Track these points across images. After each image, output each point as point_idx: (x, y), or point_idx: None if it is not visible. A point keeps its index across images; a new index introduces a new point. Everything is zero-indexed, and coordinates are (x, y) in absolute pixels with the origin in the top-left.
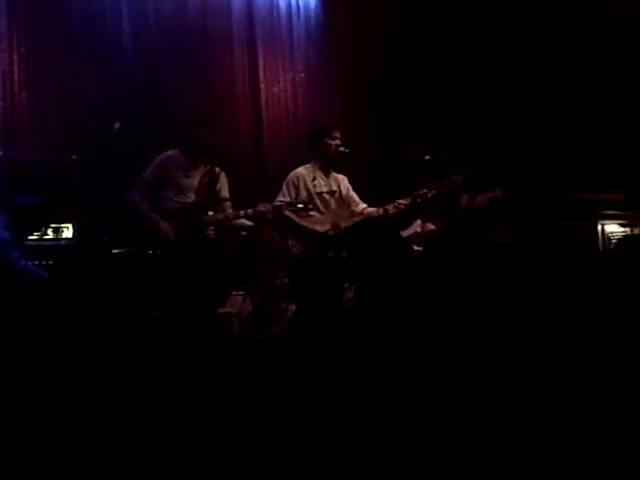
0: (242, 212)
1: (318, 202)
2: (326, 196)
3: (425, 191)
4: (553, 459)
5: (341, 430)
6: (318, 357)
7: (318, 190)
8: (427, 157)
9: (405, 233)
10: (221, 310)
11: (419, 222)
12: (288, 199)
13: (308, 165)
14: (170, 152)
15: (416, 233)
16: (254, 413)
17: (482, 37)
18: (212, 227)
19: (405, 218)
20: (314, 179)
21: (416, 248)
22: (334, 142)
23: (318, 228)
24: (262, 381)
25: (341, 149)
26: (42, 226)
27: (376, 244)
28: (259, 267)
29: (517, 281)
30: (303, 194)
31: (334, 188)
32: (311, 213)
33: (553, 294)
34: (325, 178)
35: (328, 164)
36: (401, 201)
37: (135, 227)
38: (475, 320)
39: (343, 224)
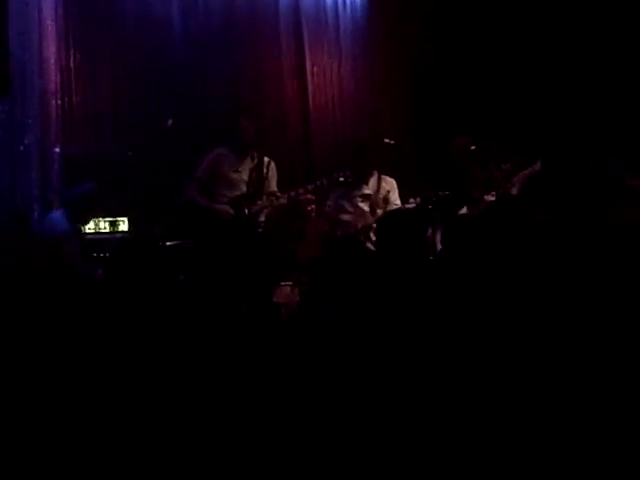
0: (285, 196)
1: (348, 204)
2: (359, 199)
3: (438, 192)
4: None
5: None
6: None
7: (352, 195)
8: (473, 147)
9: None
10: (270, 300)
11: (465, 208)
12: (331, 203)
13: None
14: (218, 149)
15: None
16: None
17: (523, 28)
18: (262, 220)
19: (453, 208)
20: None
21: None
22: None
23: (341, 230)
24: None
25: (387, 140)
26: (96, 212)
27: (401, 236)
28: (305, 256)
29: (562, 270)
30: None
31: (368, 192)
32: (343, 213)
33: (599, 284)
34: (363, 183)
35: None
36: (412, 201)
37: (191, 220)
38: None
39: (361, 224)
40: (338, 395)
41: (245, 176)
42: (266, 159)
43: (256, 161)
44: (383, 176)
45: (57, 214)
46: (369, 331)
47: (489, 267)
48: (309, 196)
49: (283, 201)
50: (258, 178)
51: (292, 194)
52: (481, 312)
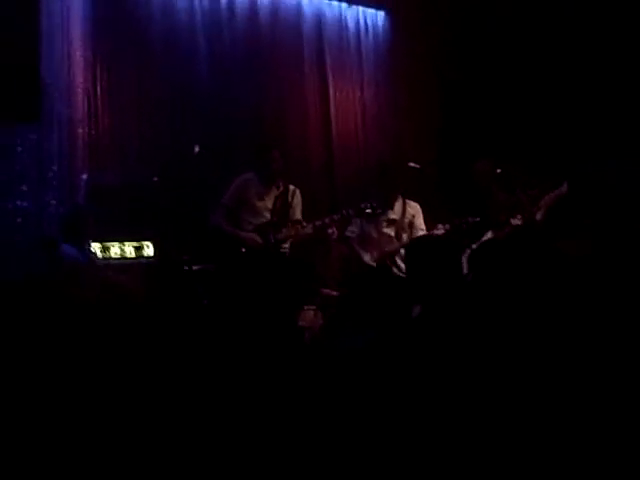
0: (310, 226)
1: (374, 229)
2: (384, 224)
3: (467, 219)
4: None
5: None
6: (384, 370)
7: (378, 221)
8: (499, 170)
9: (477, 245)
10: (294, 323)
11: (490, 232)
12: (356, 230)
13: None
14: (245, 175)
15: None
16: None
17: (550, 53)
18: (287, 248)
19: (478, 230)
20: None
21: None
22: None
23: (366, 256)
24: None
25: (412, 164)
26: (93, 233)
27: (431, 262)
28: (330, 282)
29: (596, 296)
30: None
31: (394, 217)
32: (368, 239)
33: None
34: (388, 208)
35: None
36: (440, 227)
37: (217, 246)
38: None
39: (387, 249)
40: (358, 417)
41: (270, 204)
42: (291, 187)
43: (281, 189)
44: (408, 200)
45: (66, 247)
46: (391, 354)
47: (515, 294)
48: (333, 230)
49: (308, 231)
50: (283, 206)
51: (317, 224)
52: (506, 337)
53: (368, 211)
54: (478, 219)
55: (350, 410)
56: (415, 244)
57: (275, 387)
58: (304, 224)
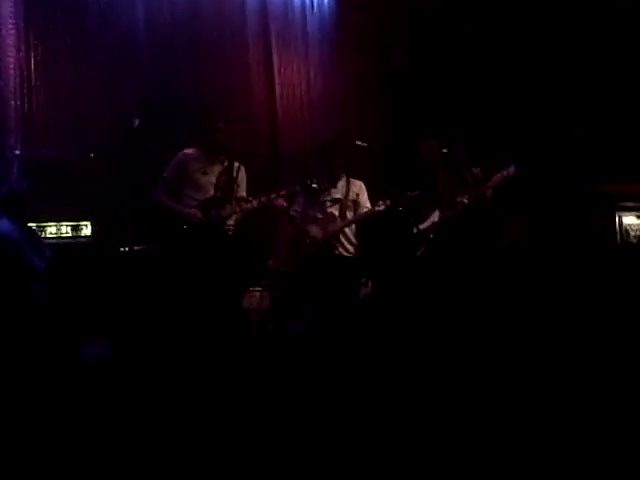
0: (255, 201)
1: (318, 208)
2: (328, 204)
3: (407, 193)
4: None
5: (350, 422)
6: (335, 351)
7: (322, 200)
8: (444, 150)
9: (423, 225)
10: (239, 305)
11: (437, 212)
12: (298, 209)
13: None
14: (188, 150)
15: (434, 223)
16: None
17: (496, 32)
18: (231, 225)
19: (423, 210)
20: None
21: (433, 236)
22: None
23: (311, 234)
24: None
25: (359, 143)
26: (34, 212)
27: (389, 238)
28: (275, 262)
29: (531, 275)
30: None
31: (338, 196)
32: (314, 216)
33: (567, 288)
34: (331, 187)
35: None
36: (380, 203)
37: (158, 223)
38: (483, 313)
39: (331, 229)
40: (309, 399)
41: (213, 179)
42: (236, 164)
43: (226, 164)
44: (351, 179)
45: (4, 223)
46: (341, 336)
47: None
48: (281, 201)
49: (255, 204)
50: (227, 182)
51: (262, 199)
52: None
53: (314, 186)
54: (417, 193)
55: (299, 395)
56: (367, 223)
57: (221, 370)
58: (250, 199)
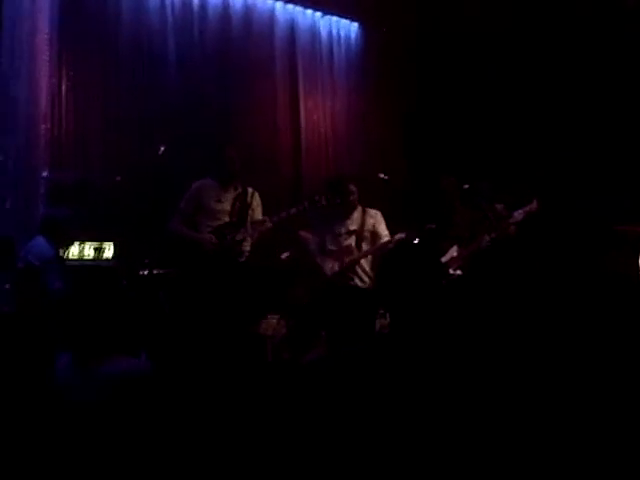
0: (268, 221)
1: (334, 241)
2: (344, 236)
3: (424, 226)
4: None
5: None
6: (354, 383)
7: (338, 232)
8: (466, 186)
9: (443, 259)
10: (256, 332)
11: (456, 247)
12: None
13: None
14: (202, 180)
15: (453, 258)
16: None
17: (517, 70)
18: (247, 250)
19: (442, 244)
20: (335, 221)
21: (452, 272)
22: (354, 196)
23: (327, 266)
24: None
25: (381, 175)
26: (73, 238)
27: (413, 270)
28: (296, 291)
29: (556, 315)
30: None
31: (353, 227)
32: (331, 248)
33: (592, 326)
34: (347, 219)
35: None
36: (398, 235)
37: (175, 251)
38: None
39: (347, 260)
40: (320, 432)
41: (228, 206)
42: (250, 189)
43: (239, 191)
44: (367, 209)
45: (40, 239)
46: (357, 367)
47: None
48: (305, 234)
49: (269, 225)
50: (242, 208)
51: (274, 218)
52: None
53: (323, 203)
54: (434, 226)
55: (312, 425)
56: (390, 255)
57: (234, 397)
58: (265, 220)
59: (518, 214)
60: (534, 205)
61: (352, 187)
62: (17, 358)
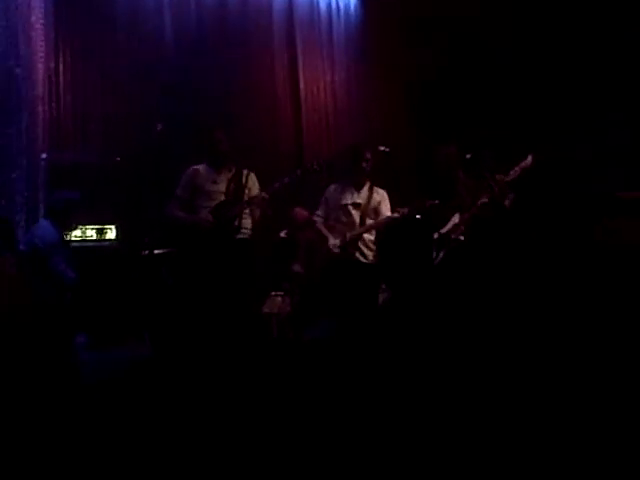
0: (263, 194)
1: (340, 212)
2: (350, 207)
3: (425, 202)
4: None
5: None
6: (353, 358)
7: (343, 202)
8: (468, 156)
9: (444, 229)
10: (260, 310)
11: (457, 215)
12: (321, 214)
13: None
14: (195, 165)
15: (454, 225)
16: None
17: (519, 39)
18: (248, 228)
19: (445, 215)
20: (343, 191)
21: (454, 237)
22: (367, 163)
23: (331, 240)
24: (300, 380)
25: (382, 148)
26: (80, 221)
27: (407, 246)
28: (297, 267)
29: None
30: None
31: (359, 201)
32: (334, 223)
33: (589, 294)
34: (355, 192)
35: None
36: (399, 210)
37: (174, 233)
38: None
39: (349, 235)
40: (326, 405)
41: (223, 187)
42: (245, 170)
43: (233, 172)
44: (375, 187)
45: (45, 223)
46: (361, 342)
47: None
48: (302, 211)
49: (265, 196)
50: (237, 187)
51: (269, 190)
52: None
53: (315, 167)
54: (437, 202)
55: (319, 401)
56: (386, 230)
57: (240, 377)
58: (261, 194)
59: (514, 171)
60: (529, 161)
61: (368, 154)
62: (37, 343)
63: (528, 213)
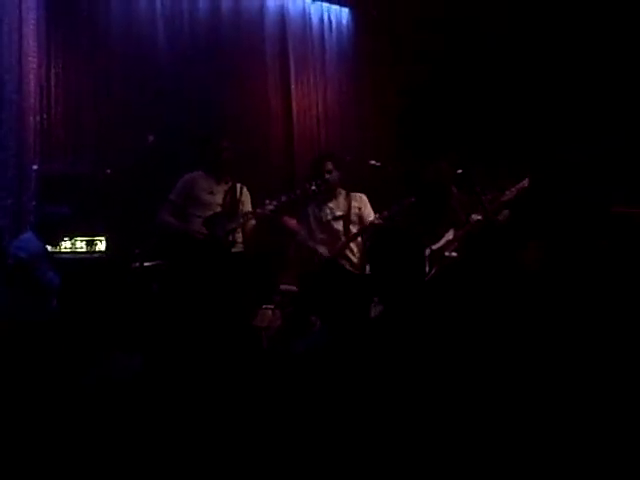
0: (259, 210)
1: (324, 228)
2: (332, 223)
3: (402, 201)
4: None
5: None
6: (344, 371)
7: (324, 219)
8: (459, 171)
9: (437, 245)
10: (251, 323)
11: (452, 231)
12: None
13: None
14: (193, 173)
15: (448, 241)
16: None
17: (510, 56)
18: (240, 241)
19: (439, 229)
20: (321, 208)
21: (447, 254)
22: (330, 174)
23: (320, 249)
24: (290, 393)
25: (372, 162)
26: (67, 236)
27: (397, 257)
28: (286, 280)
29: (548, 300)
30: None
31: (339, 213)
32: (320, 237)
33: (586, 313)
34: (334, 202)
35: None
36: (377, 216)
37: (165, 242)
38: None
39: (337, 245)
40: (316, 421)
41: (219, 199)
42: (238, 185)
43: (230, 184)
44: (352, 193)
45: (29, 235)
46: (352, 356)
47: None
48: (293, 222)
49: (258, 213)
50: (232, 200)
51: (266, 209)
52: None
53: (313, 188)
54: (413, 199)
55: (309, 414)
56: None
57: (231, 390)
58: (256, 210)
59: (510, 192)
60: (525, 183)
61: (329, 165)
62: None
63: (523, 229)
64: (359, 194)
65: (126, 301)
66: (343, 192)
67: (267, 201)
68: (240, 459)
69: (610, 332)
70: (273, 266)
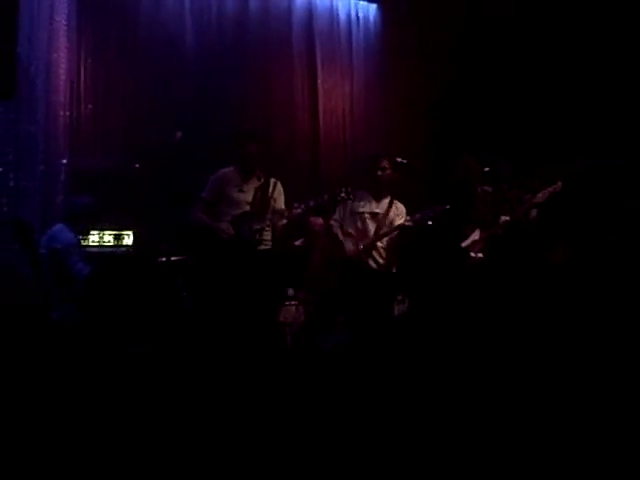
0: (287, 212)
1: (356, 219)
2: (366, 216)
3: (435, 208)
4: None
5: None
6: (371, 369)
7: (361, 211)
8: (487, 169)
9: (464, 243)
10: (275, 320)
11: (478, 231)
12: (338, 220)
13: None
14: (224, 169)
15: (474, 241)
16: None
17: (543, 51)
18: (268, 239)
19: (464, 228)
20: (361, 201)
21: (473, 255)
22: (384, 172)
23: (347, 245)
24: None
25: (399, 159)
26: (92, 226)
27: (434, 255)
28: (311, 277)
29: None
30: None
31: (377, 210)
32: (349, 230)
33: (609, 311)
34: (374, 201)
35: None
36: (408, 219)
37: (192, 238)
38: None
39: (362, 245)
40: (340, 418)
41: (249, 197)
42: (272, 179)
43: (262, 181)
44: (396, 201)
45: (61, 226)
46: (376, 353)
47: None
48: (319, 220)
49: (286, 215)
50: (262, 198)
51: (294, 213)
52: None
53: (342, 195)
54: (447, 207)
55: (332, 411)
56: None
57: (256, 386)
58: (284, 211)
59: (542, 194)
60: (558, 186)
61: (385, 162)
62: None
63: (552, 230)
64: (401, 205)
65: (151, 294)
66: (389, 197)
67: (295, 204)
68: (265, 454)
69: (636, 334)
70: (299, 264)
